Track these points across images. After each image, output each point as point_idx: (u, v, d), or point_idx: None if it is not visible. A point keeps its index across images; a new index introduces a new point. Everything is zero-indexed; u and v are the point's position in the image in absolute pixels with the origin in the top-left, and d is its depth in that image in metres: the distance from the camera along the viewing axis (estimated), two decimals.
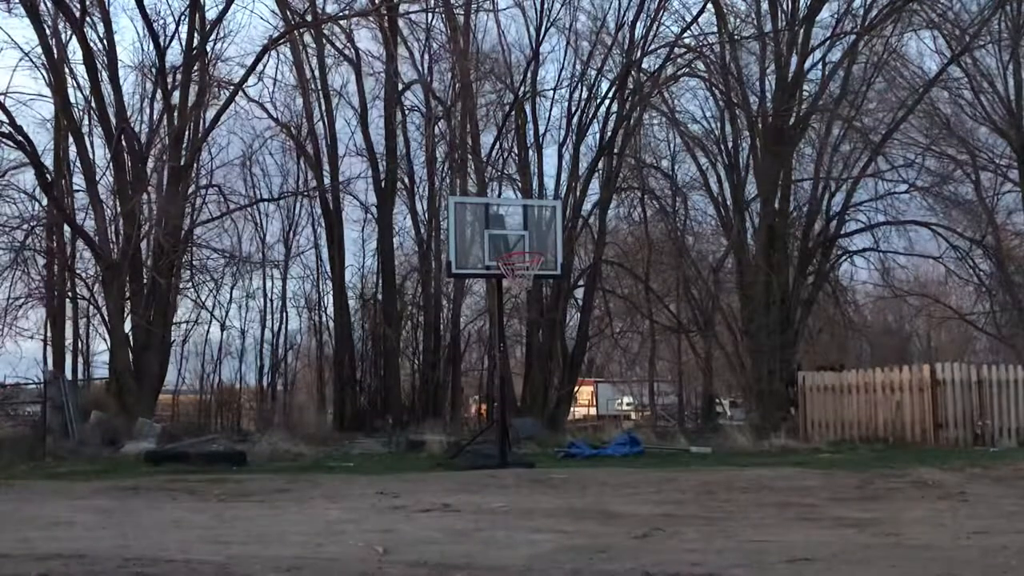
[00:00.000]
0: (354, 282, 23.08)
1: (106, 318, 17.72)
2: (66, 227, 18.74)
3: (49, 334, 19.79)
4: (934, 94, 20.70)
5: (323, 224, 21.67)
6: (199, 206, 20.09)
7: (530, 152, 21.62)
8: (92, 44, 17.29)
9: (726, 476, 10.17)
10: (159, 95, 18.66)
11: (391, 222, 21.24)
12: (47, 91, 18.57)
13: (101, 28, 17.69)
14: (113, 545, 5.28)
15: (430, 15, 20.69)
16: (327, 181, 20.63)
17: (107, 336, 18.11)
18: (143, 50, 21.01)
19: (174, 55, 18.45)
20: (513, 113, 21.36)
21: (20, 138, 16.41)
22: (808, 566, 4.55)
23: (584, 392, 28.18)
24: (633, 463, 12.61)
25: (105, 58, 17.54)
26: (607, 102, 21.10)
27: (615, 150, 20.85)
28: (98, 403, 16.09)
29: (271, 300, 22.85)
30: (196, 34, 17.63)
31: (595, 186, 21.40)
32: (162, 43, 17.78)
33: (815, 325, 22.22)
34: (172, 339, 19.52)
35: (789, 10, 20.15)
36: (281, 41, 18.32)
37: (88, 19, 17.34)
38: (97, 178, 17.76)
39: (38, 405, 15.36)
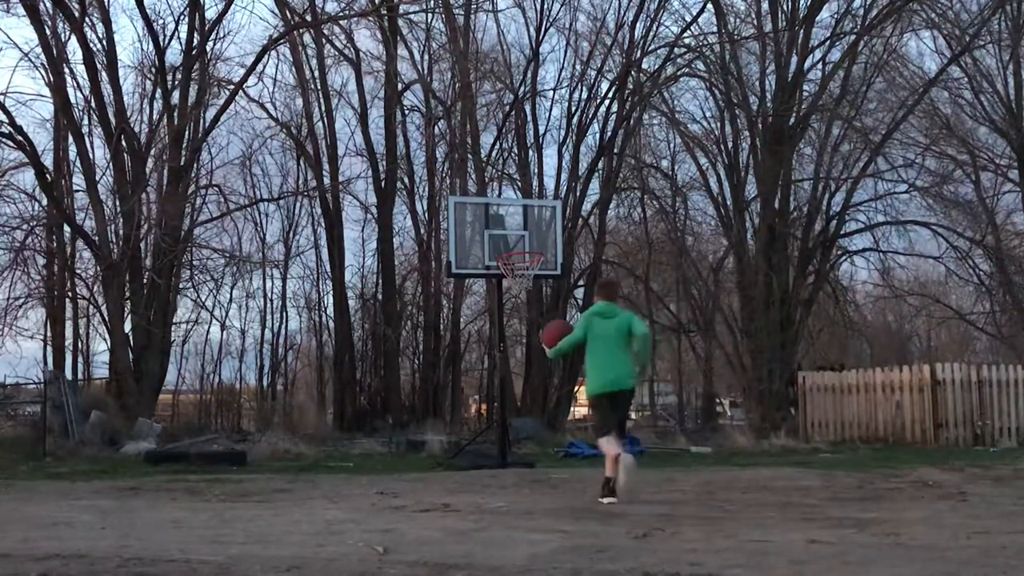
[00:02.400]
0: (354, 282, 23.11)
1: (106, 318, 17.71)
2: (66, 227, 18.74)
3: (49, 334, 19.79)
4: (934, 94, 20.72)
5: (323, 224, 21.69)
6: (199, 206, 20.11)
7: (530, 152, 21.65)
8: (92, 44, 17.28)
9: (726, 476, 10.18)
10: (159, 95, 18.66)
11: (391, 222, 21.25)
12: (47, 91, 18.57)
13: (101, 28, 17.70)
14: (113, 545, 5.28)
15: (430, 15, 20.72)
16: (327, 181, 20.63)
17: (107, 336, 18.11)
18: (143, 50, 21.10)
19: (174, 55, 18.47)
20: (513, 113, 21.36)
21: (20, 138, 16.38)
22: (808, 566, 4.55)
23: (584, 392, 28.19)
24: None
25: (105, 58, 17.53)
26: (607, 102, 21.13)
27: (615, 150, 20.86)
28: (98, 403, 16.05)
29: (271, 300, 22.88)
30: (196, 34, 17.62)
31: (595, 186, 21.45)
32: (162, 43, 17.77)
33: (815, 325, 22.22)
34: (172, 339, 19.52)
35: (789, 10, 20.16)
36: (281, 41, 18.33)
37: (88, 19, 17.31)
38: (97, 178, 17.75)
39: (38, 405, 15.34)
